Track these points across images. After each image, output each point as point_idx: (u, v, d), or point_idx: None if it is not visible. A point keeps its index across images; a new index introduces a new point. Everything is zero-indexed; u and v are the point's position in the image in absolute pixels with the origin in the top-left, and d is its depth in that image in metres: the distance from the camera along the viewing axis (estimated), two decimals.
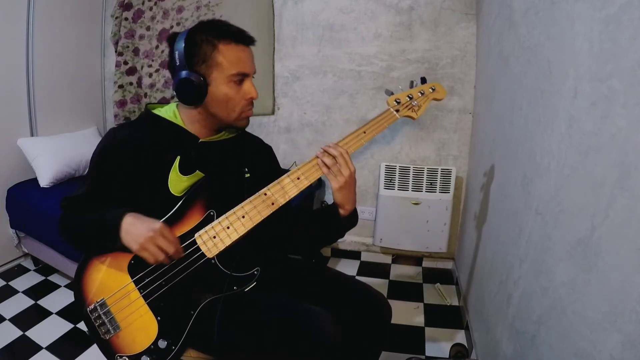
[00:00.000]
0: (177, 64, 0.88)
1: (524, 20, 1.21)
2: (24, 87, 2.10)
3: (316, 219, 1.02)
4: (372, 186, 2.30)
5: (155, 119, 0.97)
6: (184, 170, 0.93)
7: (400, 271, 2.28)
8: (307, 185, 0.90)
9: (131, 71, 2.51)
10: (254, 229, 0.89)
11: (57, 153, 2.09)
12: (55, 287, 2.00)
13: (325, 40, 2.21)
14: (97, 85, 2.59)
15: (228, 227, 0.87)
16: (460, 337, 1.68)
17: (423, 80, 1.07)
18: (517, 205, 1.16)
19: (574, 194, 0.82)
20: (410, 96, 1.03)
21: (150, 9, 2.44)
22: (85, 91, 2.49)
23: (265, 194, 0.88)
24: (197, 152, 0.95)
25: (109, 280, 0.89)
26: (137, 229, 0.82)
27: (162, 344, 0.87)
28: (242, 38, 0.91)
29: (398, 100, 1.02)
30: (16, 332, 1.63)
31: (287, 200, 0.89)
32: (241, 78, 0.91)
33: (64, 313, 1.78)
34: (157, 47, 2.47)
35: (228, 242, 0.87)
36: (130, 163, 0.90)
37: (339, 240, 2.40)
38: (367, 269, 2.30)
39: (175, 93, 0.91)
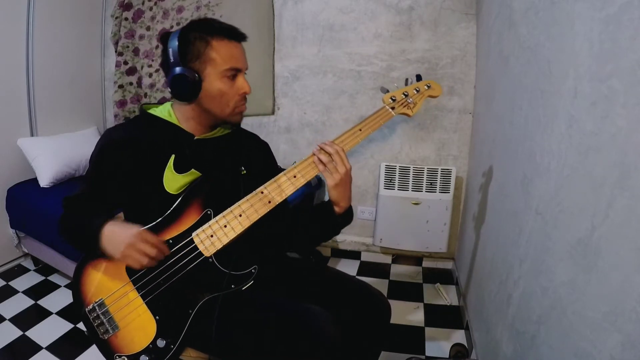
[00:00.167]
0: (171, 61, 0.89)
1: (524, 20, 1.21)
2: (24, 87, 2.10)
3: (311, 217, 1.02)
4: (372, 186, 2.30)
5: (150, 118, 0.98)
6: (179, 169, 0.93)
7: (400, 271, 2.28)
8: (304, 183, 0.91)
9: (131, 71, 2.51)
10: (252, 227, 0.89)
11: (57, 153, 2.09)
12: (55, 287, 2.00)
13: (325, 40, 2.21)
14: (97, 85, 2.59)
15: (225, 226, 0.87)
16: (460, 337, 1.68)
17: (418, 78, 1.08)
18: (517, 205, 1.16)
19: (574, 194, 0.82)
20: (406, 93, 1.04)
21: (150, 9, 2.44)
22: (85, 91, 2.49)
23: (262, 192, 0.89)
24: (193, 150, 0.96)
25: (107, 281, 0.89)
26: (117, 237, 0.83)
27: (161, 343, 0.87)
28: (234, 34, 0.92)
29: (393, 98, 1.03)
30: (16, 332, 1.63)
31: (284, 198, 0.89)
32: (234, 73, 0.92)
33: (64, 313, 1.78)
34: (157, 47, 2.47)
35: (225, 240, 0.87)
36: (126, 162, 0.91)
37: (339, 240, 2.41)
38: (367, 269, 2.30)
39: (169, 89, 0.92)
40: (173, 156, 0.93)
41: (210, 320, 0.88)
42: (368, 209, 2.32)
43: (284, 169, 0.94)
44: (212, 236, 0.87)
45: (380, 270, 2.28)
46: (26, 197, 2.01)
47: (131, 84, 2.53)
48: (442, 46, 2.06)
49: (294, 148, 2.36)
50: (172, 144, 0.94)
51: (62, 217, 0.96)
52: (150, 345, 0.87)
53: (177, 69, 0.89)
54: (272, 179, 0.90)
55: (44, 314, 1.77)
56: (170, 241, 0.88)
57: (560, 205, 0.87)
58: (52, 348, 1.55)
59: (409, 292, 2.04)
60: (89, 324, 0.91)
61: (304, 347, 0.85)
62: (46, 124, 2.22)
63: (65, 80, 2.33)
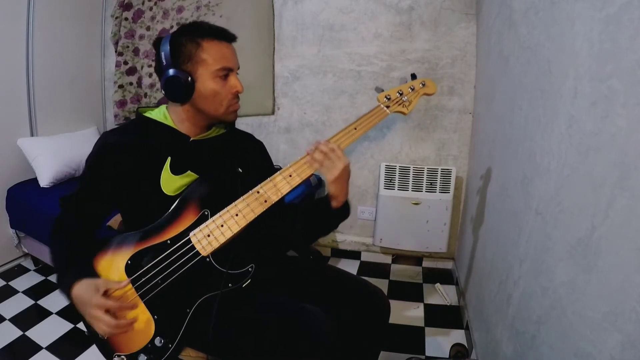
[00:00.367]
0: (164, 64, 0.91)
1: (524, 20, 1.21)
2: (24, 87, 2.10)
3: (309, 212, 1.02)
4: (372, 186, 2.30)
5: (146, 121, 0.99)
6: (176, 170, 0.94)
7: (400, 271, 2.28)
8: (300, 182, 0.91)
9: (131, 71, 2.51)
10: (249, 227, 0.90)
11: (57, 153, 2.09)
12: (55, 287, 1.99)
13: (325, 40, 2.21)
14: (97, 85, 2.59)
15: (222, 226, 0.88)
16: (460, 337, 1.68)
17: (413, 77, 1.08)
18: (517, 205, 1.16)
19: (574, 194, 0.82)
20: (400, 92, 1.04)
21: (150, 9, 2.44)
22: (85, 91, 2.49)
23: (258, 192, 0.90)
24: (189, 152, 0.97)
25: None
26: (81, 305, 0.85)
27: (159, 342, 0.88)
28: (224, 35, 0.94)
29: (388, 97, 1.03)
30: (16, 332, 1.63)
31: (280, 197, 0.90)
32: (226, 73, 0.93)
33: (64, 313, 1.78)
34: None
35: (222, 240, 0.88)
36: (123, 166, 0.92)
37: (339, 240, 2.41)
38: (367, 269, 2.30)
39: (163, 92, 0.94)
40: (169, 158, 0.94)
41: (209, 319, 0.88)
42: (368, 209, 2.32)
43: (279, 168, 0.95)
44: (209, 236, 0.88)
45: (380, 270, 2.28)
46: (26, 197, 2.01)
47: (131, 84, 2.53)
48: (442, 46, 2.06)
49: (294, 148, 2.36)
50: (168, 146, 0.96)
51: (56, 222, 0.97)
52: (149, 345, 0.88)
53: (170, 71, 0.90)
54: (268, 179, 0.91)
55: (44, 314, 1.77)
56: (169, 241, 0.89)
57: (560, 205, 0.87)
58: (52, 348, 1.55)
59: (409, 292, 2.04)
60: (88, 324, 0.91)
61: (303, 347, 0.85)
62: (46, 124, 2.22)
63: (65, 80, 2.33)
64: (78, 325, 1.69)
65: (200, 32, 0.92)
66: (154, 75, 2.50)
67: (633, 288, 0.60)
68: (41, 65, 2.14)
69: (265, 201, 0.89)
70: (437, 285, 2.08)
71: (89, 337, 0.93)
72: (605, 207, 0.69)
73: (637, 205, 0.61)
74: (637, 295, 0.59)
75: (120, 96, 2.51)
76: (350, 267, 2.31)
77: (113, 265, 0.90)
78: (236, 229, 0.88)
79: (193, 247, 0.88)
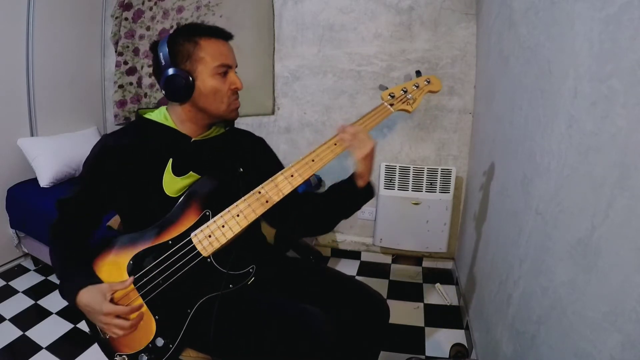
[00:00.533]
0: (163, 64, 0.92)
1: (524, 20, 1.21)
2: (24, 87, 2.10)
3: (333, 195, 1.01)
4: None
5: (146, 123, 0.99)
6: (177, 172, 0.94)
7: (400, 271, 2.28)
8: (301, 182, 0.91)
9: (131, 71, 2.51)
10: (249, 227, 0.90)
11: (57, 153, 2.09)
12: (55, 287, 2.00)
13: (325, 40, 2.21)
14: (97, 85, 2.59)
15: (223, 226, 0.88)
16: (460, 337, 1.68)
17: (418, 74, 1.07)
18: (517, 205, 1.16)
19: (574, 194, 0.82)
20: (405, 89, 1.03)
21: (150, 9, 2.44)
22: (85, 91, 2.49)
23: (260, 192, 0.89)
24: (190, 152, 0.97)
25: (109, 280, 0.89)
26: (91, 313, 0.86)
27: (160, 342, 0.88)
28: (221, 33, 0.95)
29: (392, 94, 1.02)
30: (16, 332, 1.63)
31: (281, 197, 0.89)
32: (225, 70, 0.94)
33: (64, 313, 1.78)
34: None
35: (223, 240, 0.87)
36: (123, 169, 0.92)
37: (339, 240, 2.41)
38: (367, 269, 2.30)
39: (163, 92, 0.94)
40: (171, 160, 0.94)
41: (210, 320, 0.88)
42: (368, 209, 2.32)
43: (283, 166, 0.94)
44: (210, 236, 0.88)
45: (380, 270, 2.28)
46: (26, 197, 2.01)
47: (131, 84, 2.53)
48: (442, 46, 2.06)
49: (294, 148, 2.36)
50: (169, 147, 0.95)
51: (55, 227, 0.97)
52: (150, 345, 0.88)
53: (169, 71, 0.91)
54: (270, 179, 0.91)
55: (44, 314, 1.78)
56: (170, 242, 0.89)
57: (560, 205, 0.87)
58: (52, 348, 1.55)
59: (409, 292, 2.04)
60: (91, 323, 0.92)
61: (303, 348, 0.85)
62: (46, 124, 2.22)
63: (65, 80, 2.33)
64: (78, 325, 1.69)
65: (197, 31, 0.93)
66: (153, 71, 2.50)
67: (633, 288, 0.60)
68: (41, 65, 2.14)
69: (267, 201, 0.89)
70: (437, 285, 2.08)
71: (92, 337, 0.93)
72: (605, 207, 0.69)
73: (637, 205, 0.61)
74: (637, 295, 0.59)
75: (120, 96, 2.51)
76: (350, 267, 2.32)
77: (115, 266, 0.90)
78: (237, 229, 0.88)
79: (194, 248, 0.88)
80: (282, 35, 2.26)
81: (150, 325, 0.89)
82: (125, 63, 2.49)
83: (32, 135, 2.16)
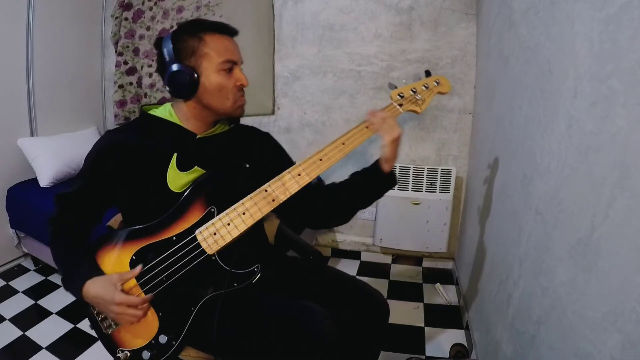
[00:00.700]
0: (167, 60, 0.90)
1: (524, 20, 1.21)
2: (24, 87, 2.10)
3: (356, 180, 1.01)
4: None
5: (151, 119, 0.97)
6: (182, 167, 0.93)
7: (400, 271, 2.28)
8: (308, 181, 0.90)
9: (131, 71, 2.51)
10: (255, 225, 0.89)
11: (57, 153, 2.09)
12: (55, 287, 2.00)
13: (325, 40, 2.21)
14: (97, 85, 2.59)
15: (228, 224, 0.87)
16: (460, 337, 1.68)
17: (427, 74, 1.05)
18: (517, 205, 1.16)
19: (574, 194, 0.82)
20: (414, 90, 1.01)
21: (150, 9, 2.44)
22: (85, 91, 2.49)
23: (266, 190, 0.88)
24: (195, 148, 0.95)
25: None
26: (101, 305, 0.87)
27: (163, 339, 0.88)
28: (225, 29, 0.94)
29: (401, 94, 1.00)
30: (16, 332, 1.63)
31: (288, 197, 0.89)
32: (230, 66, 0.93)
33: (64, 313, 1.78)
34: None
35: (229, 238, 0.87)
36: (126, 166, 0.91)
37: (339, 240, 2.41)
38: (367, 269, 2.30)
39: (168, 89, 0.93)
40: (175, 154, 0.93)
41: (212, 319, 0.88)
42: (368, 209, 2.30)
43: (292, 160, 0.93)
44: (215, 234, 0.87)
45: (380, 270, 2.28)
46: (26, 197, 2.01)
47: (131, 84, 2.53)
48: (442, 46, 2.06)
49: (294, 148, 2.36)
50: (174, 143, 0.94)
51: (54, 222, 0.96)
52: (153, 341, 0.88)
53: (174, 67, 0.89)
54: (277, 177, 0.90)
55: (44, 314, 1.78)
56: (174, 238, 0.88)
57: (560, 205, 0.87)
58: (52, 348, 1.55)
59: (409, 292, 2.04)
60: (93, 318, 0.92)
61: (303, 347, 0.85)
62: (46, 124, 2.22)
63: (65, 80, 2.33)
64: (78, 325, 1.69)
65: (201, 27, 0.91)
66: (154, 75, 2.50)
67: (633, 288, 0.60)
68: (41, 65, 2.14)
69: (273, 200, 0.88)
70: (437, 285, 2.08)
71: (90, 336, 0.93)
72: (605, 207, 0.69)
73: (637, 205, 0.61)
74: (637, 295, 0.59)
75: (120, 96, 2.51)
76: (350, 267, 2.32)
77: (117, 260, 0.89)
78: (243, 227, 0.87)
79: (199, 245, 0.87)
80: (282, 35, 2.26)
81: (153, 321, 0.88)
82: (125, 63, 2.49)
83: (32, 135, 2.16)
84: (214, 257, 0.88)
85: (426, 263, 2.33)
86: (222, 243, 0.87)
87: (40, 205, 1.89)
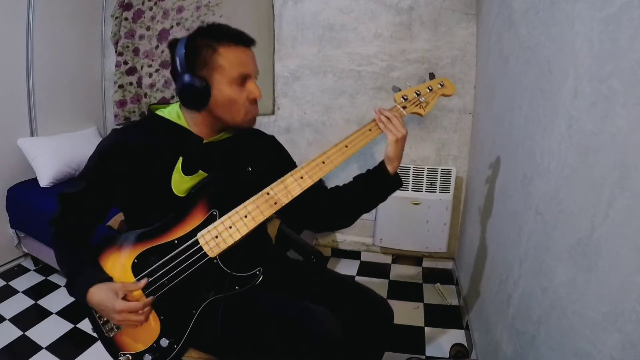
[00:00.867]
0: (179, 69, 0.88)
1: (524, 20, 1.21)
2: (24, 87, 2.10)
3: (360, 182, 1.01)
4: None
5: (158, 120, 0.96)
6: (187, 171, 0.92)
7: (400, 271, 2.28)
8: (311, 184, 0.90)
9: (131, 71, 2.51)
10: (257, 229, 0.89)
11: (57, 153, 2.09)
12: (55, 287, 2.00)
13: (325, 40, 2.21)
14: (97, 85, 2.59)
15: (230, 227, 0.87)
16: (460, 337, 1.68)
17: (431, 76, 1.05)
18: (517, 205, 1.16)
19: (574, 194, 0.82)
20: (418, 92, 1.01)
21: (150, 9, 2.44)
22: (85, 91, 2.49)
23: (268, 193, 0.88)
24: (201, 152, 0.95)
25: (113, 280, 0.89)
26: (103, 311, 0.87)
27: (164, 342, 0.88)
28: (242, 39, 0.91)
29: (405, 97, 1.01)
30: (16, 332, 1.63)
31: (290, 199, 0.88)
32: (244, 79, 0.91)
33: (64, 313, 1.78)
34: (157, 47, 2.47)
35: (230, 241, 0.86)
36: (132, 165, 0.90)
37: (339, 240, 2.41)
38: (367, 269, 2.30)
39: (178, 99, 0.91)
40: (181, 159, 0.92)
41: (214, 321, 0.88)
42: None
43: (295, 163, 0.93)
44: (217, 237, 0.87)
45: (380, 270, 2.27)
46: (26, 197, 2.01)
47: (131, 84, 2.53)
48: (442, 46, 2.06)
49: (294, 148, 2.35)
50: (180, 147, 0.93)
51: (57, 223, 0.95)
52: (154, 345, 0.88)
53: (186, 78, 0.87)
54: (279, 180, 0.89)
55: (44, 314, 1.77)
56: (176, 241, 0.88)
57: (560, 205, 0.87)
58: (52, 348, 1.55)
59: (409, 292, 2.04)
60: (94, 321, 0.92)
61: (303, 347, 0.85)
62: (46, 124, 2.22)
63: (65, 80, 2.33)
64: (78, 325, 1.69)
65: (217, 36, 0.88)
66: (154, 75, 2.50)
67: (633, 288, 0.60)
68: (41, 65, 2.14)
69: (275, 203, 0.88)
70: (437, 285, 2.08)
71: (91, 337, 0.93)
72: (605, 207, 0.69)
73: (637, 205, 0.61)
74: (637, 295, 0.59)
75: (120, 96, 2.51)
76: (350, 267, 2.32)
77: (119, 263, 0.89)
78: (245, 231, 0.87)
79: (201, 249, 0.87)
80: (282, 35, 2.26)
81: (155, 325, 0.88)
82: (125, 63, 2.49)
83: (32, 135, 2.16)
84: (215, 260, 0.88)
85: (426, 263, 2.33)
86: (223, 246, 0.87)
87: (40, 205, 1.89)
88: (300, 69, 2.27)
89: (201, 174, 0.93)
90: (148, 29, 2.47)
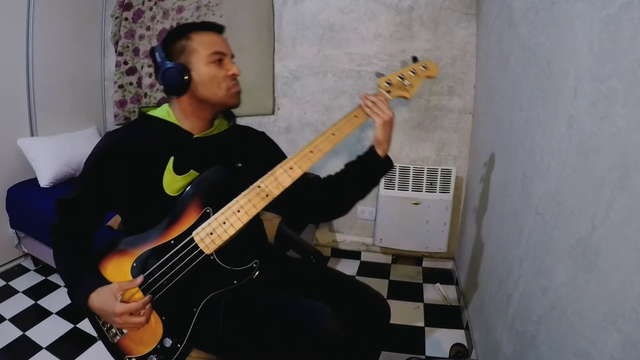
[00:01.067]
0: (159, 62, 0.94)
1: (524, 20, 1.21)
2: (24, 87, 2.10)
3: (352, 168, 1.03)
4: None
5: (149, 119, 0.98)
6: (179, 170, 0.94)
7: (400, 271, 2.28)
8: (301, 174, 0.91)
9: (131, 71, 2.51)
10: (251, 222, 0.90)
11: (57, 153, 2.09)
12: (55, 287, 2.00)
13: (325, 40, 2.21)
14: (97, 85, 2.59)
15: (224, 223, 0.88)
16: (460, 337, 1.68)
17: (414, 59, 1.07)
18: (517, 205, 1.16)
19: (574, 194, 0.82)
20: (401, 76, 1.03)
21: (150, 9, 2.44)
22: (85, 91, 2.49)
23: (259, 187, 0.89)
24: (192, 150, 0.96)
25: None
26: (105, 317, 0.88)
27: (168, 342, 0.88)
28: (212, 26, 0.98)
29: (389, 82, 1.02)
30: (16, 332, 1.63)
31: (282, 190, 0.90)
32: (219, 58, 0.95)
33: (64, 313, 1.78)
34: None
35: (225, 237, 0.87)
36: (126, 166, 0.92)
37: (339, 240, 2.41)
38: (367, 269, 2.30)
39: (162, 88, 0.96)
40: (172, 158, 0.93)
41: (215, 320, 0.88)
42: (368, 209, 2.32)
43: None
44: (211, 234, 0.87)
45: (380, 270, 2.28)
46: (26, 197, 2.01)
47: (131, 84, 2.53)
48: (442, 46, 2.06)
49: (294, 148, 2.34)
50: (171, 145, 0.95)
51: (56, 230, 0.96)
52: (158, 346, 0.88)
53: (166, 64, 0.93)
54: (269, 172, 0.91)
55: (44, 314, 1.77)
56: (172, 242, 0.88)
57: (560, 205, 0.87)
58: (52, 348, 1.55)
59: (409, 292, 2.04)
60: (98, 328, 0.93)
61: (304, 347, 0.85)
62: (46, 124, 2.22)
63: (65, 80, 2.34)
64: (78, 325, 1.69)
65: (188, 27, 0.95)
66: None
67: (633, 288, 0.60)
68: (41, 65, 2.14)
69: (267, 195, 0.89)
70: (437, 285, 2.08)
71: (93, 338, 0.94)
72: (605, 207, 0.69)
73: (637, 205, 0.61)
74: (637, 295, 0.59)
75: (120, 96, 2.51)
76: (350, 267, 2.32)
77: (119, 269, 0.90)
78: (239, 225, 0.87)
79: (197, 246, 0.87)
80: (282, 35, 2.26)
81: (157, 326, 0.89)
82: (125, 63, 2.49)
83: (32, 135, 2.16)
84: (212, 257, 0.88)
85: (426, 263, 2.33)
86: (219, 242, 0.87)
87: (40, 205, 1.89)
88: (300, 69, 2.27)
89: (192, 174, 0.94)
90: (148, 29, 2.47)
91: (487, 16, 1.78)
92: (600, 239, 0.70)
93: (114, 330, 0.91)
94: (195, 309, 0.89)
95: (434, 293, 2.04)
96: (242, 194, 0.89)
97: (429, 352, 1.60)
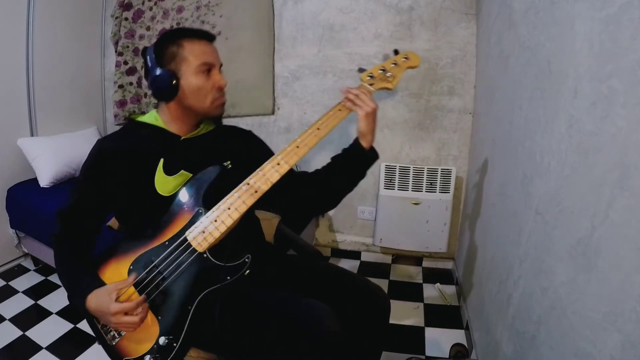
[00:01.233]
0: (150, 66, 0.96)
1: (524, 20, 1.21)
2: (24, 87, 2.10)
3: (337, 161, 1.03)
4: (372, 186, 2.29)
5: (137, 125, 1.02)
6: (169, 171, 0.96)
7: (400, 271, 2.28)
8: (288, 169, 0.92)
9: (131, 71, 2.51)
10: (243, 218, 0.91)
11: (57, 153, 2.09)
12: (55, 287, 2.00)
13: (325, 40, 2.21)
14: (97, 85, 2.59)
15: (215, 220, 0.89)
16: (460, 337, 1.68)
17: (396, 52, 1.09)
18: (517, 205, 1.16)
19: (574, 194, 0.82)
20: (383, 69, 1.05)
21: (150, 9, 2.44)
22: (85, 91, 2.49)
23: (248, 184, 0.91)
24: (180, 151, 0.98)
25: None
26: (102, 317, 0.89)
27: (163, 341, 0.89)
28: (203, 34, 0.99)
29: (371, 75, 1.05)
30: (16, 332, 1.63)
31: (270, 186, 0.91)
32: (208, 68, 0.97)
33: (64, 313, 1.78)
34: None
35: (217, 234, 0.89)
36: (119, 170, 0.94)
37: (339, 240, 2.41)
38: (367, 269, 2.30)
39: (151, 92, 0.98)
40: (162, 160, 0.96)
41: (213, 317, 0.89)
42: (368, 209, 2.32)
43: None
44: (203, 232, 0.89)
45: (380, 270, 2.28)
46: (26, 197, 2.01)
47: (131, 84, 2.53)
48: (442, 46, 2.06)
49: None
50: (160, 148, 0.97)
51: (57, 240, 0.98)
52: (155, 345, 0.89)
53: (155, 71, 0.95)
54: (257, 169, 0.92)
55: (44, 314, 1.78)
56: (167, 242, 0.90)
57: (560, 205, 0.87)
58: (52, 348, 1.55)
59: (409, 292, 2.04)
60: (97, 331, 0.94)
61: (303, 347, 0.85)
62: (46, 124, 2.22)
63: (65, 80, 2.33)
64: (78, 325, 1.69)
65: (180, 34, 0.97)
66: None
67: (633, 288, 0.60)
68: (41, 65, 2.14)
69: (256, 191, 0.90)
70: (437, 285, 2.08)
71: (92, 339, 0.94)
72: (605, 207, 0.69)
73: (637, 205, 0.61)
74: (637, 295, 0.59)
75: (120, 96, 2.51)
76: (350, 267, 2.31)
77: (117, 273, 0.92)
78: (230, 222, 0.89)
79: (190, 245, 0.89)
80: (282, 35, 2.26)
81: (153, 326, 0.90)
82: (125, 63, 2.49)
83: (32, 135, 2.16)
84: (205, 255, 0.90)
85: (426, 263, 2.33)
86: (211, 239, 0.89)
87: (40, 205, 1.89)
88: (300, 69, 2.27)
89: (183, 174, 0.97)
90: (148, 29, 2.47)
91: (487, 16, 1.78)
92: (600, 239, 0.70)
93: (112, 333, 0.92)
94: (189, 307, 0.90)
95: (434, 293, 2.04)
96: (232, 191, 0.91)
97: (429, 352, 1.60)
